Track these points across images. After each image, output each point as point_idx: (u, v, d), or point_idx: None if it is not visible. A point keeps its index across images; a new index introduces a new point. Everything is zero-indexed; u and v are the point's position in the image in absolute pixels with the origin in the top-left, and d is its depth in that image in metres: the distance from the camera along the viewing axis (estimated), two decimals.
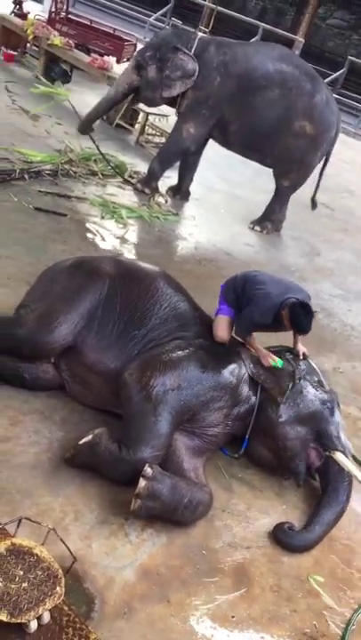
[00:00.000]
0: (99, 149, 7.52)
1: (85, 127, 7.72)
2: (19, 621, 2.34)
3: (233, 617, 2.99)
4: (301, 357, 4.02)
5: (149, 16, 17.86)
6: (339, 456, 3.75)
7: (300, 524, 3.63)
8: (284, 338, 4.18)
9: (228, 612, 3.00)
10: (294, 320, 3.76)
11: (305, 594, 3.25)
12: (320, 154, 7.47)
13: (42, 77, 9.66)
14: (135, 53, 7.51)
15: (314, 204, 8.11)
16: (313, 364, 4.07)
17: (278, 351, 4.06)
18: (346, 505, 3.68)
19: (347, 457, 3.79)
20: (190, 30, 7.42)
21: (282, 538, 3.46)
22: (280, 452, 3.78)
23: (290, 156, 7.27)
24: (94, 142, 7.52)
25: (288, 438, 3.74)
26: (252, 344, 3.94)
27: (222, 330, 3.91)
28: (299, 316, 3.74)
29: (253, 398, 3.81)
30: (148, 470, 3.15)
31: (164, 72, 6.95)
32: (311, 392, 3.85)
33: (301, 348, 4.04)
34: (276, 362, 3.83)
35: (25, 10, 11.21)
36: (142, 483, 3.10)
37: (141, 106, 9.10)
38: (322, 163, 7.68)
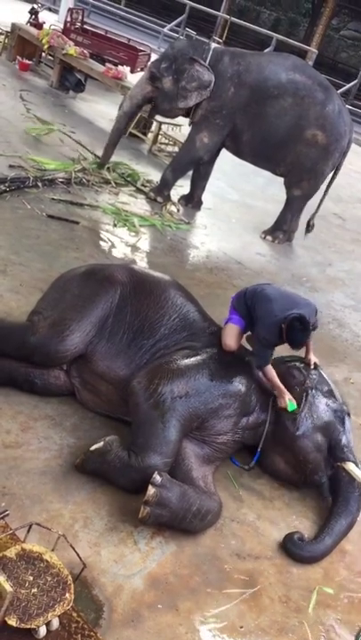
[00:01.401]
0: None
1: (108, 155, 7.70)
2: (28, 627, 2.34)
3: (241, 627, 2.97)
4: (313, 367, 4.01)
5: (163, 26, 18.02)
6: (350, 466, 3.73)
7: (310, 534, 3.61)
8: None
9: (236, 622, 2.98)
10: (289, 333, 3.71)
11: (314, 605, 3.22)
12: (331, 163, 7.47)
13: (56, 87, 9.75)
14: (149, 64, 7.53)
15: (309, 227, 7.96)
16: (324, 375, 4.06)
17: (290, 360, 4.06)
18: (357, 516, 3.66)
19: (358, 467, 3.76)
20: (204, 41, 7.44)
21: (291, 548, 3.44)
22: (301, 466, 3.78)
23: (301, 165, 7.29)
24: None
25: (308, 451, 3.74)
26: (272, 379, 3.81)
27: (231, 338, 3.89)
28: (294, 329, 3.70)
29: (265, 408, 3.80)
30: (156, 478, 3.15)
31: (180, 83, 6.97)
32: (323, 402, 3.85)
33: (313, 358, 4.03)
34: (292, 404, 3.75)
35: (41, 20, 11.36)
36: (151, 490, 3.10)
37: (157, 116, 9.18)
38: (331, 175, 7.68)
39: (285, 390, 3.80)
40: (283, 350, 4.33)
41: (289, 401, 3.75)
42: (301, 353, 4.08)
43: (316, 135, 7.11)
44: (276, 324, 3.77)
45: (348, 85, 17.48)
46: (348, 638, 3.13)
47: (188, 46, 7.14)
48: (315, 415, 3.78)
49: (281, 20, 29.60)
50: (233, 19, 17.34)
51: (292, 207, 7.75)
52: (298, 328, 3.71)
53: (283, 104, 7.01)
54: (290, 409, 3.75)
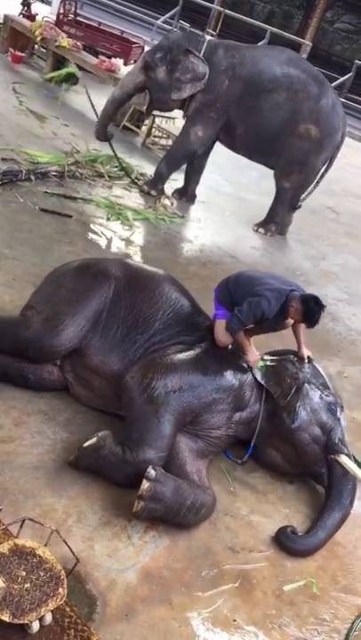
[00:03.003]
0: (115, 154, 7.56)
1: (101, 133, 7.61)
2: (21, 622, 2.35)
3: (235, 621, 2.98)
4: (306, 360, 4.01)
5: (157, 19, 17.93)
6: (343, 459, 3.74)
7: (304, 528, 3.62)
8: (289, 341, 4.18)
9: (229, 615, 2.99)
10: (309, 313, 3.75)
11: (307, 598, 3.24)
12: (324, 157, 7.46)
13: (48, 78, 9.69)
14: (144, 54, 7.49)
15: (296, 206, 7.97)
16: (318, 368, 4.06)
17: (283, 354, 4.06)
18: (350, 509, 3.67)
19: (351, 460, 3.78)
20: (199, 33, 7.40)
21: (285, 542, 3.46)
22: (300, 459, 3.80)
23: (292, 156, 7.27)
24: (112, 148, 7.54)
25: (306, 443, 3.75)
26: (241, 339, 3.85)
27: (222, 334, 3.88)
28: (313, 309, 3.75)
29: (258, 402, 3.80)
30: (150, 472, 3.14)
31: (174, 74, 6.93)
32: (317, 395, 3.85)
33: (306, 352, 4.03)
34: (258, 363, 3.82)
35: (33, 11, 11.28)
36: (145, 484, 3.10)
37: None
38: (323, 167, 7.67)
39: (254, 350, 3.86)
40: (277, 344, 4.36)
41: (258, 359, 3.82)
42: (293, 346, 4.09)
43: (310, 129, 7.10)
44: (280, 298, 3.78)
45: (342, 78, 17.42)
46: (341, 632, 3.14)
47: (184, 38, 7.10)
48: (309, 408, 3.79)
49: (275, 12, 29.45)
50: (227, 11, 17.26)
51: (282, 199, 7.69)
52: (316, 308, 3.74)
53: (277, 98, 6.98)
54: (259, 366, 3.82)
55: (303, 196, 7.86)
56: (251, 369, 3.84)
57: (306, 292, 3.99)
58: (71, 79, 10.21)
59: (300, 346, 4.04)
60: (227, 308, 3.97)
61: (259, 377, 3.84)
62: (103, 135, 7.57)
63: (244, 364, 3.85)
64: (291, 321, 3.97)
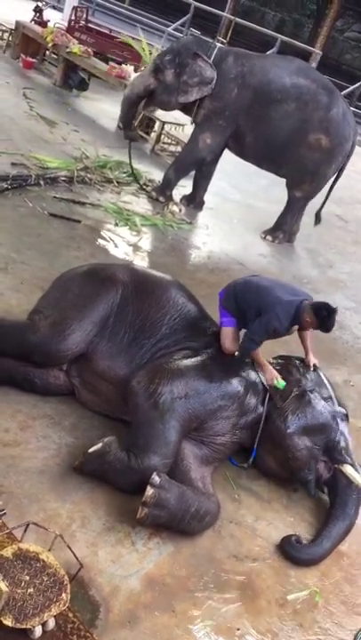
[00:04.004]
0: (130, 158, 7.61)
1: (127, 134, 7.70)
2: (23, 627, 2.34)
3: (238, 629, 2.96)
4: (312, 369, 4.00)
5: (168, 26, 17.99)
6: (348, 469, 3.73)
7: (308, 537, 3.60)
8: (297, 347, 4.17)
9: (233, 624, 2.97)
10: (323, 322, 3.75)
11: (311, 608, 3.22)
12: (335, 166, 7.46)
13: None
14: (154, 57, 7.55)
15: (318, 218, 8.00)
16: (323, 377, 4.05)
17: (288, 360, 4.05)
18: (355, 519, 3.65)
19: (356, 470, 3.76)
20: (209, 40, 7.44)
21: (289, 551, 3.44)
22: (290, 463, 3.77)
23: (303, 167, 7.28)
24: (129, 152, 7.59)
25: (297, 449, 3.73)
26: (258, 359, 3.87)
27: (229, 342, 3.88)
28: (327, 318, 3.74)
29: (261, 407, 3.79)
30: (155, 478, 3.14)
31: (181, 77, 6.97)
32: (320, 404, 3.83)
33: (312, 359, 4.02)
34: (279, 382, 3.79)
35: (45, 18, 11.36)
36: (150, 491, 3.10)
37: (157, 114, 9.18)
38: (334, 176, 7.67)
39: (272, 369, 3.83)
40: (281, 350, 4.35)
41: (276, 379, 3.78)
42: (300, 352, 4.08)
43: (320, 139, 7.10)
44: (289, 311, 3.77)
45: (351, 87, 17.43)
46: None
47: (194, 42, 7.15)
48: (309, 416, 3.77)
49: (285, 20, 29.59)
50: (237, 19, 17.32)
51: (293, 208, 7.74)
52: (325, 316, 3.74)
53: (286, 108, 7.00)
54: (280, 386, 3.78)
55: (319, 209, 7.87)
56: (269, 387, 3.83)
57: (314, 299, 3.99)
58: (83, 85, 10.29)
59: (307, 352, 4.03)
60: (231, 313, 3.96)
61: (263, 379, 3.83)
62: (129, 135, 7.66)
63: (264, 383, 3.84)
64: (296, 327, 3.96)
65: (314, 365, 4.02)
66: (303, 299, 3.84)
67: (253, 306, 3.87)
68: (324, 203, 7.88)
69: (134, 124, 7.77)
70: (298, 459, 3.74)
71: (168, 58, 7.05)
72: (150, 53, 8.03)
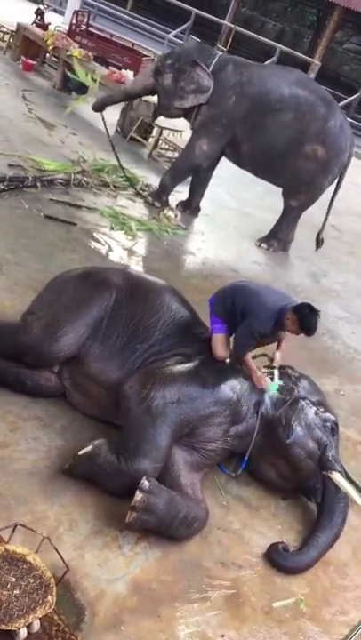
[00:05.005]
0: (117, 157, 7.63)
1: (99, 107, 7.74)
2: (8, 629, 2.33)
3: (223, 636, 2.96)
4: (274, 364, 4.02)
5: (168, 32, 18.09)
6: (336, 476, 3.73)
7: (296, 545, 3.60)
8: (290, 354, 4.19)
9: (218, 630, 2.97)
10: (304, 321, 3.70)
11: (296, 616, 3.22)
12: (331, 177, 7.51)
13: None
14: (157, 58, 7.63)
15: (319, 242, 7.92)
16: (316, 385, 4.07)
17: (281, 369, 4.06)
18: (342, 527, 3.65)
19: (343, 477, 3.77)
20: (211, 47, 7.51)
21: (276, 558, 3.44)
22: (295, 474, 3.79)
23: (299, 177, 7.32)
24: (114, 149, 7.62)
25: (300, 458, 3.74)
26: (248, 364, 3.89)
27: (220, 348, 3.88)
28: (307, 316, 3.70)
29: (254, 415, 3.80)
30: (145, 483, 3.14)
31: (179, 83, 7.03)
32: (312, 411, 3.85)
33: (279, 356, 4.05)
34: (269, 385, 3.81)
35: (46, 21, 11.39)
36: (138, 495, 3.09)
37: (156, 120, 9.21)
38: (333, 188, 7.71)
39: (261, 373, 3.85)
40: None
41: (265, 382, 3.80)
42: (294, 363, 4.10)
43: (317, 150, 7.15)
44: (273, 315, 3.77)
45: (349, 99, 17.59)
46: None
47: (195, 49, 7.21)
48: (304, 423, 3.79)
49: (285, 31, 29.76)
50: (238, 28, 17.43)
51: (288, 217, 7.79)
52: (310, 315, 3.71)
53: (284, 118, 7.04)
54: (272, 389, 3.80)
55: (320, 231, 7.87)
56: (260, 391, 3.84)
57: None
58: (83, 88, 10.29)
59: (278, 348, 4.07)
60: (222, 319, 3.97)
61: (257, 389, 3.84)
62: (100, 109, 7.72)
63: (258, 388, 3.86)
64: (284, 333, 3.96)
65: (275, 362, 4.03)
66: (288, 303, 3.84)
67: (239, 310, 3.88)
68: (324, 224, 7.86)
69: (104, 109, 7.80)
70: (302, 468, 3.76)
71: (169, 62, 7.13)
72: (95, 80, 8.09)
